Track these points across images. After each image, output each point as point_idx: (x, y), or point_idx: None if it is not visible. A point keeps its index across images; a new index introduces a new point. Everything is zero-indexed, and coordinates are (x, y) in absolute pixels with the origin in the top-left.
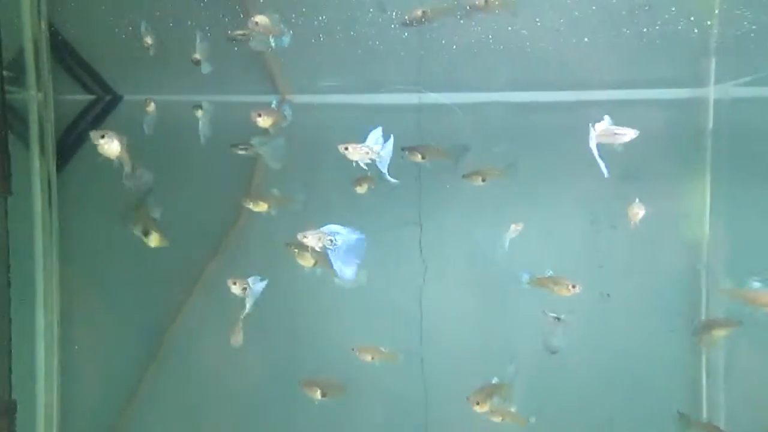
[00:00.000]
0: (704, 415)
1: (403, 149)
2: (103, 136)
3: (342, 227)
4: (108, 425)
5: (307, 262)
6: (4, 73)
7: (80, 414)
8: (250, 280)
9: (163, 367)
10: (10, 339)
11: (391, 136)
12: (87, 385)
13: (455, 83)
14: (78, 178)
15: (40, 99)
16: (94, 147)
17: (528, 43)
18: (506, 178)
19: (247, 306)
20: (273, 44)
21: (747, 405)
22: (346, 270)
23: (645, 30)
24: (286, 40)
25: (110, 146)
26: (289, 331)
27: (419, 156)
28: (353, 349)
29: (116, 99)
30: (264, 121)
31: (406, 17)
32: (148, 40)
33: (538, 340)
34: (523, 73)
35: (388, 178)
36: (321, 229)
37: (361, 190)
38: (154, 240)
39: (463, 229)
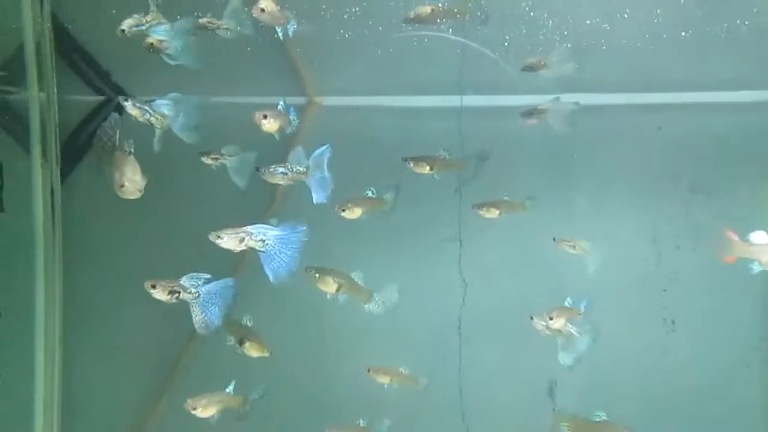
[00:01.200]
0: None
1: (405, 160)
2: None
3: (272, 226)
4: None
5: (329, 288)
6: None
7: None
8: (184, 280)
9: (175, 400)
10: None
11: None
12: (90, 418)
13: (501, 84)
14: (84, 188)
15: (42, 99)
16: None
17: (602, 40)
18: (525, 212)
19: (195, 318)
20: (281, 34)
21: None
22: (281, 274)
23: (723, 25)
24: (291, 29)
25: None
26: (315, 357)
27: (426, 167)
28: (369, 371)
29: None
30: (270, 125)
31: (411, 13)
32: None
33: (592, 371)
34: (580, 72)
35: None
36: (245, 227)
37: (350, 215)
38: (252, 349)
39: (508, 245)
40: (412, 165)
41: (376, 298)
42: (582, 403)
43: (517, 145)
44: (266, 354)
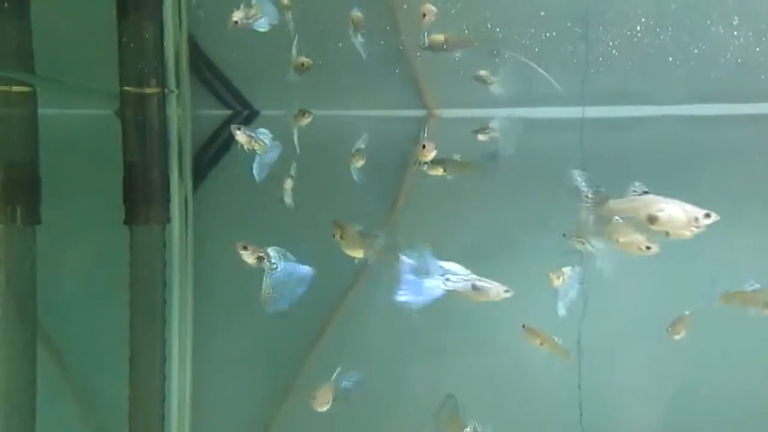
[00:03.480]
0: None
1: (417, 162)
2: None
3: (289, 256)
4: None
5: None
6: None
7: None
8: (271, 250)
9: (298, 403)
10: (164, 379)
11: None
12: (218, 421)
13: (626, 95)
14: (210, 202)
15: (179, 114)
16: (229, 166)
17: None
18: None
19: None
20: (427, 41)
21: None
22: (279, 302)
23: None
24: None
25: None
26: (424, 365)
27: (440, 169)
28: (524, 326)
29: (253, 114)
30: (430, 154)
31: (426, 41)
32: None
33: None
34: (710, 82)
35: None
36: (267, 249)
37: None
38: None
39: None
40: (425, 168)
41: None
42: (712, 411)
43: (642, 156)
44: None
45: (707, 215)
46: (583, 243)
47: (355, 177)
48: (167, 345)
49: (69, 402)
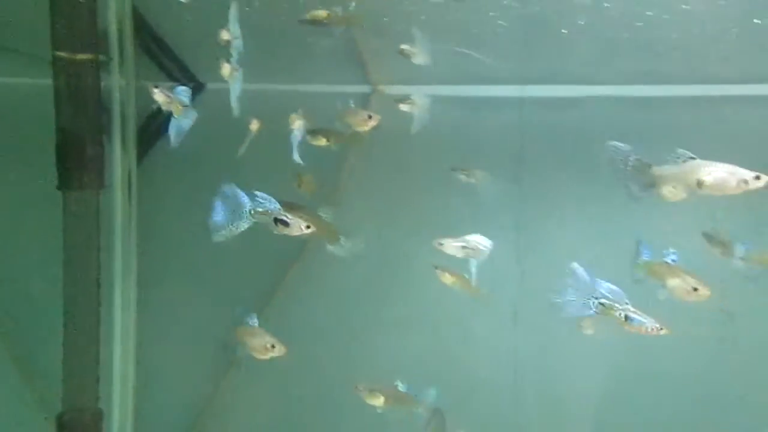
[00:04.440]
0: None
1: (307, 132)
2: None
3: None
4: None
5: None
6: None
7: (155, 421)
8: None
9: (242, 374)
10: (99, 343)
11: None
12: (163, 389)
13: (563, 75)
14: (156, 172)
15: (122, 86)
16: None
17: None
18: None
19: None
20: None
21: None
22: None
23: None
24: None
25: None
26: (367, 339)
27: (323, 140)
28: (436, 268)
29: (199, 87)
30: (373, 124)
31: (307, 16)
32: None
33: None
34: (643, 64)
35: None
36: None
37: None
38: None
39: (569, 235)
40: (309, 138)
41: (342, 242)
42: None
43: (578, 136)
44: None
45: (757, 177)
46: (468, 175)
47: (294, 151)
48: (109, 311)
49: (9, 370)
